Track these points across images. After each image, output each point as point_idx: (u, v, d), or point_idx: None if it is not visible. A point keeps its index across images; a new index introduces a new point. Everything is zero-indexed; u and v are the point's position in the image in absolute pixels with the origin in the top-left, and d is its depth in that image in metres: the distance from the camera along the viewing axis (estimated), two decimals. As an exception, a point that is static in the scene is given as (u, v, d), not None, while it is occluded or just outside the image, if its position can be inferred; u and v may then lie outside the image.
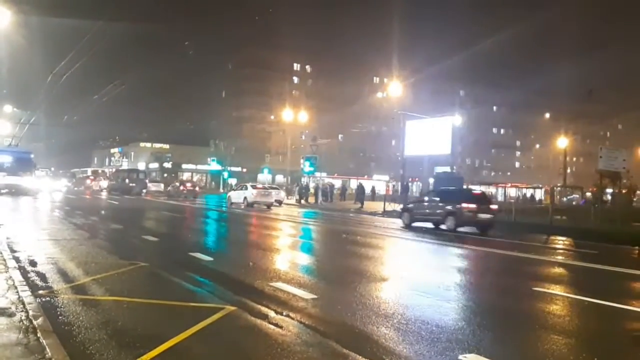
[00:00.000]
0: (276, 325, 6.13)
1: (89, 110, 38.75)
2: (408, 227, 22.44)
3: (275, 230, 19.97)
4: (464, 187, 32.58)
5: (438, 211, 21.71)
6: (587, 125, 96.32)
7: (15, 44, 32.04)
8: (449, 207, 21.11)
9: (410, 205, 24.51)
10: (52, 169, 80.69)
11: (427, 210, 22.55)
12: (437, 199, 22.64)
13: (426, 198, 24.51)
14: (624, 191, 28.07)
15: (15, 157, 37.21)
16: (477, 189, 34.38)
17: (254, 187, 36.03)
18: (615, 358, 5.84)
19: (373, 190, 55.77)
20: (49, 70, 29.88)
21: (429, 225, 22.03)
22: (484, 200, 22.07)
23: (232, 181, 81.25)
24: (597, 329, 6.94)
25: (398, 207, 32.26)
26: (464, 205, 20.66)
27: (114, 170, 78.00)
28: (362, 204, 39.83)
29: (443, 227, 21.10)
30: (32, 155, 39.26)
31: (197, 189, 56.98)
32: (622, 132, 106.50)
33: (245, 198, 34.92)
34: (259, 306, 6.94)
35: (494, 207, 22.23)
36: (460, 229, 20.62)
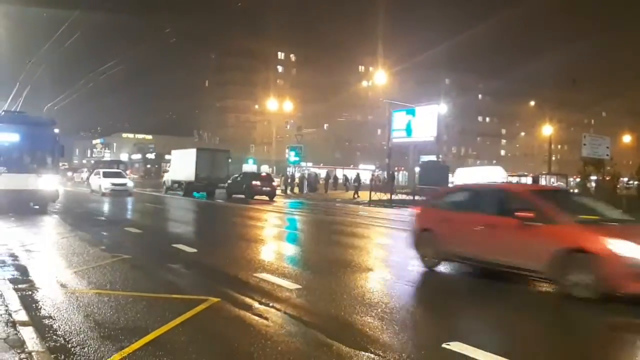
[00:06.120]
0: (260, 316, 6.10)
1: (69, 100, 35.98)
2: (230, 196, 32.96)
3: (260, 221, 19.90)
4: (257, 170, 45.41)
5: (243, 186, 32.44)
6: (572, 113, 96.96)
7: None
8: (247, 183, 32.26)
9: (230, 182, 33.91)
10: None
11: (238, 186, 32.85)
12: (241, 179, 33.69)
13: (236, 179, 34.52)
14: (607, 178, 28.21)
15: (23, 132, 17.78)
16: (264, 172, 43.51)
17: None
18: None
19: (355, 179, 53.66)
20: (26, 60, 28.59)
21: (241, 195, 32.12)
22: (267, 179, 33.48)
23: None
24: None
25: (384, 196, 32.48)
26: (254, 182, 32.03)
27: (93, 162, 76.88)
28: (357, 193, 38.06)
29: (242, 196, 31.61)
30: (56, 130, 18.55)
31: None
32: (605, 119, 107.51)
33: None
34: (243, 297, 6.91)
35: (274, 184, 34.66)
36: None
